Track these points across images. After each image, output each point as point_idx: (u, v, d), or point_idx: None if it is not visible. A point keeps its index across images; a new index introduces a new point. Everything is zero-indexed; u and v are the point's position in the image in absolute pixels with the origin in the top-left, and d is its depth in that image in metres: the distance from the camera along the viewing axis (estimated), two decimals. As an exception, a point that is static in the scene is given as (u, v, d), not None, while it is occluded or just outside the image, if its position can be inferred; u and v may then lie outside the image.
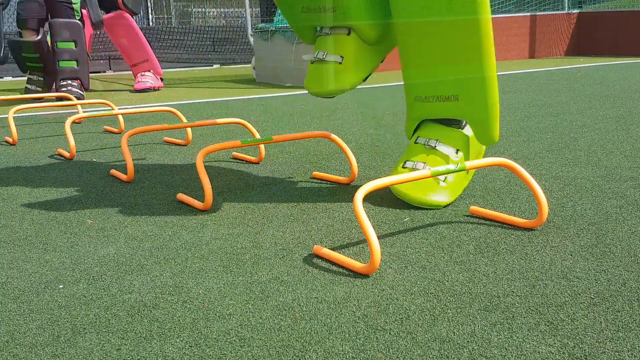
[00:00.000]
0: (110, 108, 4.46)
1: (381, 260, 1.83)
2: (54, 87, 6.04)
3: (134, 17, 7.00)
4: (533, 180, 2.05)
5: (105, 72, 9.47)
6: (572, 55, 10.22)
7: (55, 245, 2.07)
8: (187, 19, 16.49)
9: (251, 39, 8.15)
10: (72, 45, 5.78)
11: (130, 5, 6.60)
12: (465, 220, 2.18)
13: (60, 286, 1.73)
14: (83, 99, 5.85)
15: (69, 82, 5.85)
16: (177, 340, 1.42)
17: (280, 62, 7.43)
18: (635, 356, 1.29)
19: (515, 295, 1.58)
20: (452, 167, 2.02)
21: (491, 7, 8.55)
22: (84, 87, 5.94)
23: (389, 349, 1.35)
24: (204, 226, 2.21)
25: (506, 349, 1.33)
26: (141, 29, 7.42)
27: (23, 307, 1.60)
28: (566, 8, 10.35)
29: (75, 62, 5.85)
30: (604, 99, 5.05)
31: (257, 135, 3.20)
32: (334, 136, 2.77)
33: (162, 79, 6.85)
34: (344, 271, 1.77)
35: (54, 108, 5.39)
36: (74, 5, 5.81)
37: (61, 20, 5.72)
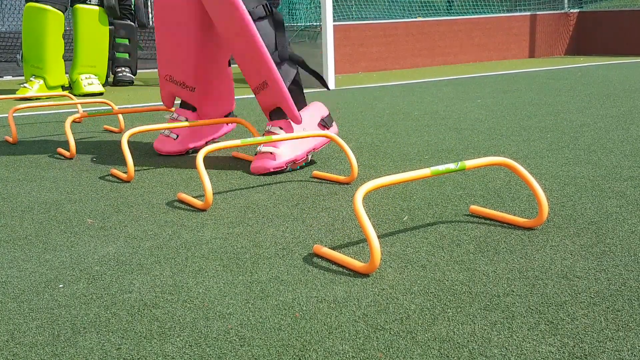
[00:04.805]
0: (110, 107, 4.46)
1: (381, 259, 1.83)
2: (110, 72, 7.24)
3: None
4: (533, 179, 2.05)
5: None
6: (572, 55, 10.22)
7: (55, 244, 2.07)
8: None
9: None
10: (126, 41, 7.09)
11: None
12: (465, 219, 2.18)
13: (60, 285, 1.73)
14: (134, 82, 7.26)
15: (123, 68, 7.20)
16: (177, 339, 1.42)
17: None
18: (635, 355, 1.29)
19: (515, 295, 1.58)
20: (452, 166, 2.02)
21: (491, 7, 8.44)
22: (133, 73, 7.28)
23: (389, 349, 1.35)
24: (204, 226, 2.21)
25: (506, 348, 1.33)
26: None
27: (23, 307, 1.60)
28: (566, 7, 10.35)
29: (127, 54, 7.15)
30: (604, 98, 5.05)
31: (257, 135, 3.20)
32: (334, 136, 2.77)
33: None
34: (344, 270, 1.77)
35: (54, 107, 5.39)
36: (131, 10, 7.03)
37: (119, 21, 6.98)
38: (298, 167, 2.99)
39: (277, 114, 3.03)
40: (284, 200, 2.50)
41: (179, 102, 3.62)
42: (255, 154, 3.00)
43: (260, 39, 2.87)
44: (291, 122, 2.99)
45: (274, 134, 2.96)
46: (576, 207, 2.27)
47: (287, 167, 2.93)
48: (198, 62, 3.23)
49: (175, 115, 3.41)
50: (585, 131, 3.68)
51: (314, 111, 3.08)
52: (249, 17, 2.86)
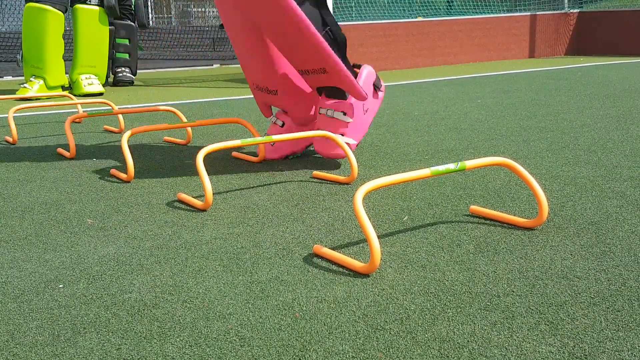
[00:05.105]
0: (110, 107, 4.46)
1: (381, 259, 1.83)
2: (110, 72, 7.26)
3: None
4: (533, 179, 2.05)
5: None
6: (572, 55, 10.22)
7: (55, 244, 2.07)
8: (187, 19, 16.51)
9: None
10: (126, 42, 7.10)
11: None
12: (465, 220, 2.18)
13: (60, 286, 1.73)
14: (134, 83, 7.25)
15: (123, 68, 7.18)
16: (177, 339, 1.42)
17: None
18: (635, 356, 1.29)
19: (515, 295, 1.58)
20: (452, 166, 2.02)
21: (491, 7, 8.42)
22: (133, 73, 7.26)
23: (389, 349, 1.35)
24: (204, 226, 2.21)
25: (506, 348, 1.33)
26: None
27: (23, 307, 1.60)
28: (566, 7, 10.35)
29: (127, 54, 7.17)
30: (604, 98, 5.05)
31: (257, 135, 3.20)
32: (333, 136, 2.77)
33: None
34: (344, 271, 1.77)
35: (54, 108, 5.39)
36: (132, 10, 7.09)
37: (120, 22, 7.00)
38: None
39: (331, 91, 2.97)
40: (284, 200, 2.50)
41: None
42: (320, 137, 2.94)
43: (313, 27, 2.69)
44: (352, 100, 2.92)
45: (337, 119, 2.92)
46: (576, 207, 2.26)
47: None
48: (268, 64, 3.07)
49: (274, 119, 3.29)
50: (585, 131, 3.68)
51: (367, 79, 3.01)
52: (296, 6, 2.67)
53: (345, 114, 2.90)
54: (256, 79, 3.19)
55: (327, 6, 2.93)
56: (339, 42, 2.94)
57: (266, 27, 2.85)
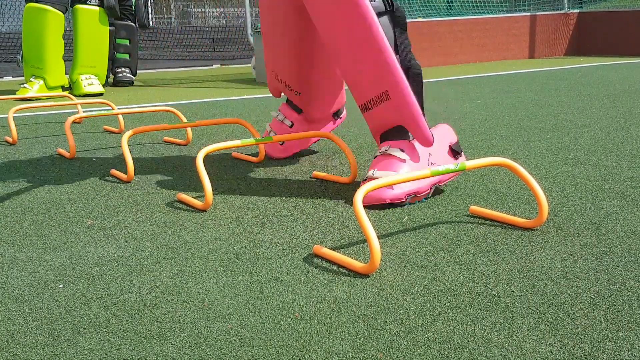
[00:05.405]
0: (110, 108, 4.46)
1: (381, 260, 1.83)
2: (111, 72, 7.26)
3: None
4: (533, 180, 2.05)
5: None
6: (572, 55, 10.22)
7: (55, 245, 2.07)
8: (187, 19, 16.52)
9: (251, 39, 8.15)
10: (127, 42, 7.15)
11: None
12: (465, 220, 2.18)
13: (60, 286, 1.73)
14: (134, 83, 7.30)
15: (123, 69, 7.22)
16: (177, 340, 1.42)
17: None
18: (635, 356, 1.29)
19: (515, 295, 1.58)
20: (451, 166, 2.03)
21: (491, 7, 8.41)
22: (133, 73, 7.30)
23: (389, 349, 1.35)
24: (204, 226, 2.21)
25: (506, 348, 1.33)
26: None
27: (23, 307, 1.60)
28: (566, 7, 10.35)
29: (127, 54, 7.21)
30: (604, 98, 5.05)
31: (257, 135, 3.20)
32: (333, 136, 2.77)
33: None
34: (344, 271, 1.77)
35: (54, 108, 5.39)
36: (132, 10, 7.14)
37: (120, 22, 7.04)
38: (423, 200, 2.40)
39: (393, 134, 2.47)
40: (284, 200, 2.50)
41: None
42: (364, 179, 2.47)
43: (385, 38, 2.32)
44: (415, 145, 2.44)
45: (393, 156, 2.41)
46: (576, 208, 2.26)
47: (406, 199, 2.34)
48: (301, 69, 2.96)
49: (280, 116, 3.19)
50: (585, 132, 3.68)
51: (441, 135, 2.51)
52: (372, 12, 2.32)
53: (403, 150, 2.40)
54: (278, 70, 3.04)
55: (405, 28, 2.48)
56: (410, 74, 2.46)
57: (328, 36, 2.50)
